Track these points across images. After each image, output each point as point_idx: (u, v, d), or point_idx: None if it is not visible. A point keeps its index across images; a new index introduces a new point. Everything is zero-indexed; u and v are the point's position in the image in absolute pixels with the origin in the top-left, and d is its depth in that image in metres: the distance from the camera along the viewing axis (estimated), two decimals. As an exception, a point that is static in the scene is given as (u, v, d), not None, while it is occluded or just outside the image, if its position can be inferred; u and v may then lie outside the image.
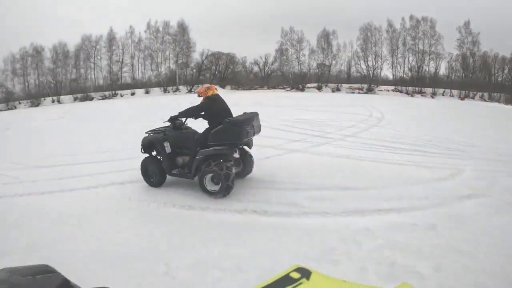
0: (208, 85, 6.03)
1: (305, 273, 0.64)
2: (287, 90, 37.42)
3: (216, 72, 40.46)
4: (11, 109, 38.00)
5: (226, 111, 5.49)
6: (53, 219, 4.42)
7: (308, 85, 37.70)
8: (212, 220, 4.26)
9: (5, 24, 40.12)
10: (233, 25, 46.22)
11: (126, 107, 25.34)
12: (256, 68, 41.15)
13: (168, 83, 39.61)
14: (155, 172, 5.64)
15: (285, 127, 10.16)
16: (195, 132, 5.78)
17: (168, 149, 5.56)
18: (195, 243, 3.64)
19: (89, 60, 40.55)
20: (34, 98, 38.72)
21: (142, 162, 5.76)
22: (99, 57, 40.62)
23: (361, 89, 36.04)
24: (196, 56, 40.44)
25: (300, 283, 0.62)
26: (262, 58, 40.36)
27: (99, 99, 37.86)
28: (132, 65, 40.58)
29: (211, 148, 5.18)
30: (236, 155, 5.30)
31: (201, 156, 5.23)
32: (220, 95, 5.67)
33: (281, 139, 8.38)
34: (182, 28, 39.98)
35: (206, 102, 5.43)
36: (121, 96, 38.87)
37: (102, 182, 5.88)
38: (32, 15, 40.14)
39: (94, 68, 40.62)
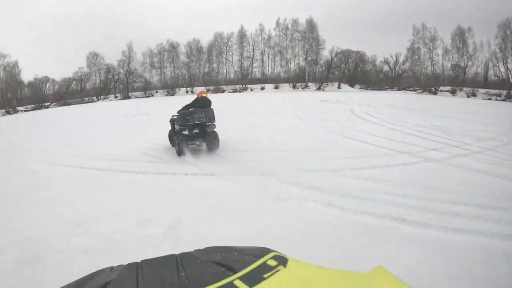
0: (202, 89, 10.00)
1: (282, 261, 0.65)
2: (418, 93, 35.50)
3: (346, 71, 41.05)
4: (148, 96, 41.04)
5: (202, 107, 7.60)
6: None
7: (441, 87, 35.52)
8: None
9: (145, 24, 43.35)
10: (363, 22, 46.02)
11: (256, 100, 26.06)
12: (386, 68, 40.89)
13: (297, 79, 40.96)
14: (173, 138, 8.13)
15: (420, 133, 9.58)
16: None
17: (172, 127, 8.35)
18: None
19: (221, 56, 43.01)
20: (170, 88, 41.59)
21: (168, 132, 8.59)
22: (230, 53, 43.06)
23: (499, 95, 32.57)
24: (325, 54, 41.33)
25: (277, 270, 0.63)
26: (392, 57, 39.89)
27: (230, 92, 40.04)
28: (262, 61, 42.67)
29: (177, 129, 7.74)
30: (185, 132, 7.38)
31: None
32: (207, 97, 7.84)
33: (417, 146, 7.89)
34: (311, 26, 41.18)
35: (193, 100, 7.78)
36: (251, 90, 40.95)
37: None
38: (168, 15, 43.18)
39: (225, 63, 43.07)
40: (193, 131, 7.43)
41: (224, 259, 0.64)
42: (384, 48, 43.16)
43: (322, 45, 41.38)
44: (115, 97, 41.55)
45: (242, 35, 42.69)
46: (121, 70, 43.01)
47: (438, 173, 5.70)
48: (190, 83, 42.22)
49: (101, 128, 14.26)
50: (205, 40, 42.67)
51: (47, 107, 41.78)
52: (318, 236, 3.39)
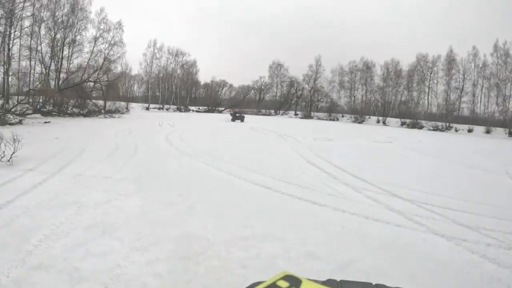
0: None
1: (294, 282, 0.62)
2: None
3: None
4: (333, 120, 36.96)
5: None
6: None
7: None
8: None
9: (337, 38, 38.37)
10: None
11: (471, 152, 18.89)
12: None
13: (518, 125, 33.89)
14: None
15: None
16: None
17: None
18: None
19: (423, 83, 37.39)
20: (359, 114, 36.94)
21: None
22: (435, 81, 37.29)
23: None
24: None
25: None
26: None
27: (430, 129, 34.30)
28: (474, 95, 36.01)
29: None
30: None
31: None
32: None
33: None
34: None
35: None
36: (456, 130, 34.80)
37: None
38: (363, 26, 37.67)
39: (428, 92, 37.49)
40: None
41: None
42: None
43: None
44: (295, 114, 38.30)
45: (450, 60, 35.93)
46: (306, 86, 39.90)
47: None
48: (383, 111, 36.99)
49: None
50: (406, 62, 36.72)
51: (220, 112, 40.12)
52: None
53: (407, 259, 4.37)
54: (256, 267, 3.72)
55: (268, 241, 4.42)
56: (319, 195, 6.69)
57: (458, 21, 37.31)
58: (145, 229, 4.47)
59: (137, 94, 45.17)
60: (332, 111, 37.97)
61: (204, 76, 43.26)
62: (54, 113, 22.41)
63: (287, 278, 0.58)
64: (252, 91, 41.77)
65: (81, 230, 4.25)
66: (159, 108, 42.65)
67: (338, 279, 0.70)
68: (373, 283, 0.72)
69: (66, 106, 23.82)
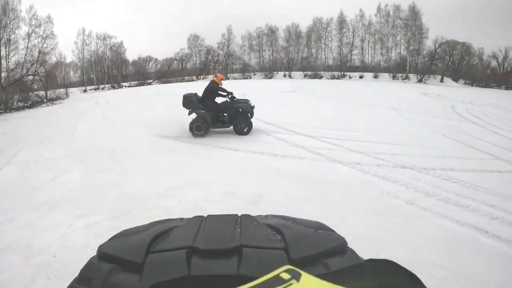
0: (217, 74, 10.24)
1: (295, 275, 0.57)
2: None
3: (450, 63, 39.86)
4: (246, 78, 42.67)
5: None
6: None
7: None
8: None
9: (245, 9, 43.12)
10: (471, 10, 40.90)
11: (361, 89, 26.10)
12: (494, 63, 38.71)
13: (398, 69, 40.89)
14: None
15: None
16: None
17: None
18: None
19: (320, 41, 43.08)
20: (268, 71, 42.96)
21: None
22: (329, 39, 43.03)
23: None
24: (428, 44, 40.13)
25: (289, 284, 0.56)
26: (501, 51, 37.72)
27: (328, 78, 40.86)
28: (362, 48, 42.50)
29: None
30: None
31: None
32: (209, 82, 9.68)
33: None
34: (414, 13, 39.76)
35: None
36: (350, 77, 41.55)
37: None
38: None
39: (324, 48, 43.29)
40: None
41: (278, 224, 0.65)
42: (493, 40, 39.30)
43: (425, 34, 40.09)
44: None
45: (341, 21, 42.17)
46: (221, 52, 44.62)
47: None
48: (288, 67, 43.24)
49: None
50: (304, 24, 42.61)
51: (150, 84, 44.35)
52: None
53: (312, 185, 5.21)
54: (180, 212, 4.10)
55: (191, 188, 5.10)
56: (234, 142, 8.27)
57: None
58: (86, 197, 5.02)
59: (74, 80, 47.82)
60: (245, 71, 44.01)
61: (132, 55, 46.46)
62: (1, 111, 23.09)
63: (289, 271, 0.51)
64: (175, 62, 46.16)
65: (30, 210, 4.70)
66: (95, 89, 45.35)
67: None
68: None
69: (11, 102, 24.67)
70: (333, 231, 0.66)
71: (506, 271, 3.15)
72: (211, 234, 0.63)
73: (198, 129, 8.91)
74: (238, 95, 9.54)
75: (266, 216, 0.75)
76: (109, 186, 5.45)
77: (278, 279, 0.52)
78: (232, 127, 9.10)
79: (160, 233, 0.61)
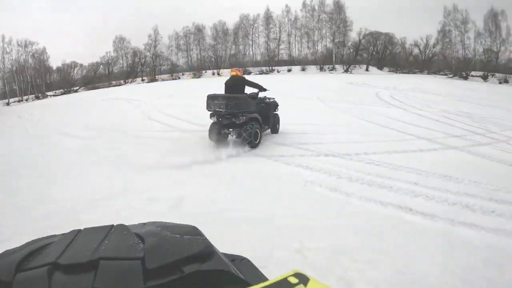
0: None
1: (303, 279, 0.61)
2: (449, 77, 34.28)
3: (374, 53, 40.46)
4: (175, 79, 41.16)
5: (229, 92, 6.85)
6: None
7: (473, 73, 34.18)
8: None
9: (171, 8, 42.89)
10: (392, 2, 42.26)
11: (283, 82, 25.90)
12: (416, 50, 39.92)
13: (325, 61, 40.56)
14: None
15: (445, 119, 9.67)
16: None
17: None
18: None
19: (247, 37, 42.78)
20: (196, 70, 41.68)
21: None
22: (257, 35, 42.85)
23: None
24: (353, 35, 40.76)
25: None
26: (423, 39, 38.96)
27: (257, 74, 39.96)
28: (289, 42, 42.33)
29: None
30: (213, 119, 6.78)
31: None
32: (239, 77, 7.17)
33: (439, 132, 7.95)
34: (338, 7, 40.39)
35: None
36: (278, 72, 40.82)
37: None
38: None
39: (252, 45, 42.92)
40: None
41: (145, 232, 0.65)
42: (414, 30, 40.98)
43: (350, 26, 40.65)
44: (142, 80, 41.83)
45: (268, 17, 42.33)
46: (148, 54, 43.38)
47: (456, 161, 5.72)
48: (216, 65, 42.25)
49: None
50: (231, 22, 42.45)
51: (76, 91, 42.27)
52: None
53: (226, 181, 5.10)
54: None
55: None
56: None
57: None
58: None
59: (-6, 92, 45.58)
60: (174, 72, 42.53)
61: (56, 61, 44.71)
62: None
63: (297, 275, 0.62)
64: (101, 67, 44.65)
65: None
66: (19, 101, 43.32)
67: None
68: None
69: None
70: (202, 236, 0.68)
71: (435, 245, 3.08)
72: (78, 247, 0.60)
73: (256, 136, 6.61)
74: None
75: (144, 224, 0.75)
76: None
77: (286, 283, 0.58)
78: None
79: (35, 250, 0.60)
